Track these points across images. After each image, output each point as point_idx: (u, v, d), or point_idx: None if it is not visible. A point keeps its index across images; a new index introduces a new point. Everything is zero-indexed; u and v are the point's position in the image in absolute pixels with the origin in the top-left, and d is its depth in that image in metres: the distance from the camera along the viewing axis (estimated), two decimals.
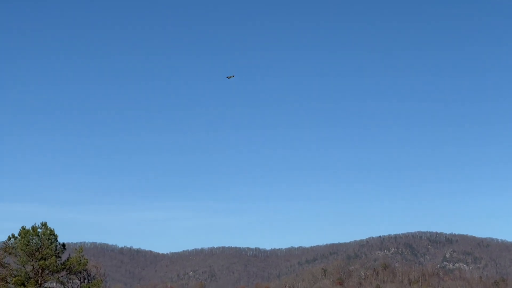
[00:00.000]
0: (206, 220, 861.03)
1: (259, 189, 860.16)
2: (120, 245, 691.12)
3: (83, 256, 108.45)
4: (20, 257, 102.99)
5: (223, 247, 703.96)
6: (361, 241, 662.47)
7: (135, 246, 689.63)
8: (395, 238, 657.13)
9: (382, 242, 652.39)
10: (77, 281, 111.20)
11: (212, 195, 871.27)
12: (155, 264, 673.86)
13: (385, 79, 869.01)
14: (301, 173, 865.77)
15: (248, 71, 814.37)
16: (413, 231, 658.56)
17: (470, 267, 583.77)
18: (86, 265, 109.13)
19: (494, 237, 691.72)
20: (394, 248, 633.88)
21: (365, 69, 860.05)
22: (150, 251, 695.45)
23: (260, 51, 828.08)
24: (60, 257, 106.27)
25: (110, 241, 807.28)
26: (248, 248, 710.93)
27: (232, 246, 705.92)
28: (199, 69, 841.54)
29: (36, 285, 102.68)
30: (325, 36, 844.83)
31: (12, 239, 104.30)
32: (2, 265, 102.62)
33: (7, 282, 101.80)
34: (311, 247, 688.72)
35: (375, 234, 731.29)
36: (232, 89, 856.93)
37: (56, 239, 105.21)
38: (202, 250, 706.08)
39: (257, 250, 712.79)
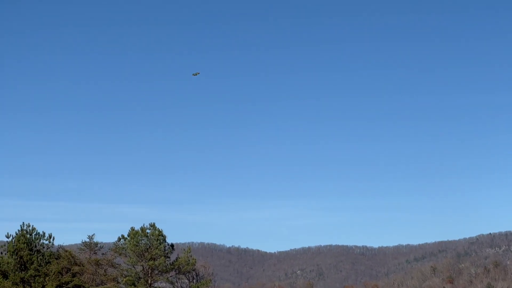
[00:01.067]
0: (313, 219, 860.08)
1: (366, 187, 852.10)
2: (228, 244, 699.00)
3: (191, 256, 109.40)
4: (130, 258, 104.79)
5: (330, 246, 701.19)
6: (470, 238, 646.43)
7: (243, 246, 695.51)
8: (506, 235, 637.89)
9: (492, 240, 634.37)
10: (186, 280, 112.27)
11: (318, 194, 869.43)
12: (262, 263, 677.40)
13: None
14: (409, 168, 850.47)
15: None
16: None
17: None
18: (194, 265, 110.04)
19: None
20: (505, 246, 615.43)
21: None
22: (258, 250, 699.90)
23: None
24: (169, 257, 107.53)
25: (217, 241, 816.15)
26: (356, 246, 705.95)
27: (339, 245, 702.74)
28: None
29: (146, 285, 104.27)
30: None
31: (122, 240, 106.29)
32: (112, 265, 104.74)
33: (118, 282, 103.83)
34: (419, 244, 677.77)
35: (485, 231, 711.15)
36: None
37: (164, 240, 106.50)
38: (309, 248, 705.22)
39: (364, 248, 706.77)
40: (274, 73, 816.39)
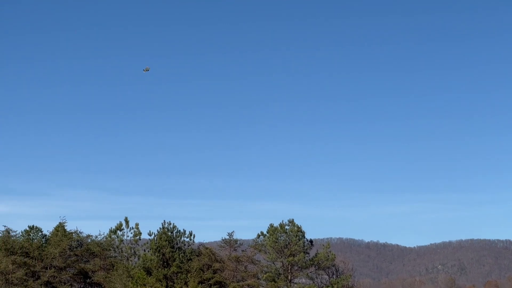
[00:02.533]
0: (453, 213, 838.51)
1: (505, 178, 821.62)
2: (367, 239, 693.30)
3: (330, 251, 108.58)
4: (270, 254, 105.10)
5: (472, 240, 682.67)
6: None
7: (381, 241, 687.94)
8: None
9: None
10: (326, 276, 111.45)
11: (457, 187, 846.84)
12: (402, 258, 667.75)
13: None
14: None
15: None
16: None
17: None
18: (333, 260, 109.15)
19: None
20: None
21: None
22: (397, 245, 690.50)
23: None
24: (308, 253, 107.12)
25: (356, 236, 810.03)
26: (498, 240, 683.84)
27: (481, 239, 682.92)
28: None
29: (286, 281, 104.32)
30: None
31: (261, 236, 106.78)
32: (252, 262, 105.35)
33: (258, 279, 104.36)
34: None
35: None
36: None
37: (303, 236, 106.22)
38: (450, 243, 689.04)
39: (508, 242, 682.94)
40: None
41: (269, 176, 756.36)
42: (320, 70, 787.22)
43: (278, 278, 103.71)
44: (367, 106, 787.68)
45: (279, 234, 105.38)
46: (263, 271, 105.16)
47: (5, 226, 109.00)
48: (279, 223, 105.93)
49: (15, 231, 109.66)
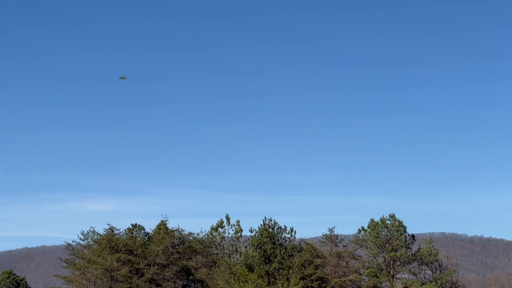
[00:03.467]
0: None
1: None
2: (470, 234, 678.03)
3: (433, 246, 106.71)
4: (371, 249, 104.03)
5: None
6: None
7: (486, 235, 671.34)
8: None
9: None
10: (429, 271, 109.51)
11: None
12: (507, 252, 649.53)
13: None
14: None
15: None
16: None
17: None
18: (437, 255, 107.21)
19: None
20: None
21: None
22: (502, 240, 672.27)
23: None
24: (410, 248, 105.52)
25: (459, 231, 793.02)
26: None
27: None
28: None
29: (388, 276, 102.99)
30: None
31: (362, 231, 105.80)
32: (354, 257, 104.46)
33: (360, 274, 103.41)
34: None
35: None
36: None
37: (405, 231, 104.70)
38: None
39: None
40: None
41: (368, 170, 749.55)
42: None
43: (380, 273, 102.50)
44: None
45: (380, 229, 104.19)
46: (365, 267, 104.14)
47: (109, 225, 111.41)
48: (380, 218, 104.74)
49: (119, 229, 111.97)
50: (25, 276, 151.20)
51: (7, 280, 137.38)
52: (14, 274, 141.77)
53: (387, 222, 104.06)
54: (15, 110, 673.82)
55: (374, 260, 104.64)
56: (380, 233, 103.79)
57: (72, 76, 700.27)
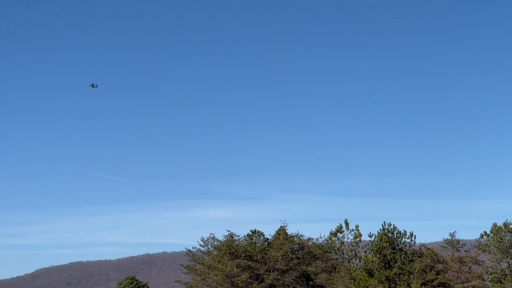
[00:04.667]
0: None
1: None
2: None
3: None
4: (494, 255, 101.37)
5: None
6: None
7: None
8: None
9: None
10: None
11: None
12: None
13: None
14: None
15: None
16: None
17: None
18: None
19: None
20: None
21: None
22: None
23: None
24: None
25: None
26: None
27: None
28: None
29: None
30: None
31: (484, 236, 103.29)
32: (477, 262, 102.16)
33: (483, 280, 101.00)
34: None
35: None
36: None
37: None
38: None
39: None
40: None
41: (489, 174, 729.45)
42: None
43: (504, 279, 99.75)
44: None
45: (504, 234, 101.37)
46: (488, 272, 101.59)
47: (228, 231, 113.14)
48: (503, 222, 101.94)
49: (238, 235, 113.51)
50: (147, 282, 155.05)
51: (130, 285, 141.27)
52: (137, 280, 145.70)
53: (511, 226, 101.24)
54: (136, 118, 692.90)
55: (498, 265, 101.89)
56: (504, 238, 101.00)
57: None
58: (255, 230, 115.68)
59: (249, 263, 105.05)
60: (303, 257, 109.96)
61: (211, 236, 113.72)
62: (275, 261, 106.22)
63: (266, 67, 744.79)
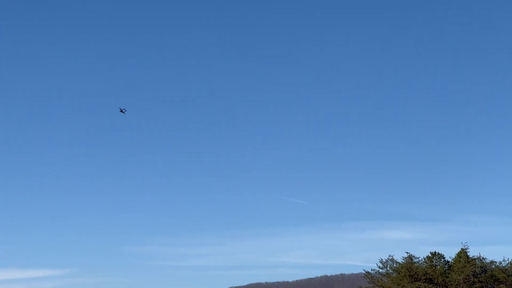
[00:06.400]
0: None
1: None
2: None
3: None
4: None
5: None
6: None
7: None
8: None
9: None
10: None
11: None
12: None
13: None
14: None
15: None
16: None
17: None
18: None
19: None
20: None
21: None
22: None
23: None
24: None
25: None
26: None
27: None
28: None
29: None
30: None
31: None
32: None
33: None
34: None
35: None
36: None
37: None
38: None
39: None
40: None
41: None
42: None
43: None
44: None
45: None
46: None
47: (407, 253, 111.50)
48: None
49: (418, 258, 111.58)
50: None
51: None
52: None
53: None
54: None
55: None
56: None
57: None
58: (435, 252, 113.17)
59: (429, 286, 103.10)
60: (485, 281, 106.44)
61: (390, 258, 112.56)
62: (457, 284, 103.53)
63: None
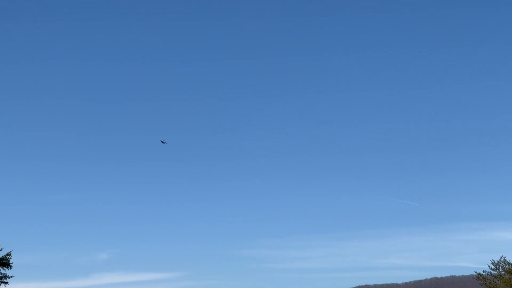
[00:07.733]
0: None
1: None
2: None
3: None
4: None
5: None
6: None
7: None
8: None
9: None
10: None
11: None
12: None
13: None
14: None
15: None
16: None
17: None
18: None
19: None
20: None
21: None
22: None
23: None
24: None
25: None
26: None
27: None
28: None
29: None
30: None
31: None
32: None
33: None
34: None
35: None
36: None
37: None
38: None
39: None
40: None
41: None
42: None
43: None
44: None
45: None
46: None
47: None
48: None
49: None
50: None
51: None
52: None
53: None
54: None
55: None
56: None
57: None
58: None
59: None
60: None
61: (502, 259, 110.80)
62: None
63: None
